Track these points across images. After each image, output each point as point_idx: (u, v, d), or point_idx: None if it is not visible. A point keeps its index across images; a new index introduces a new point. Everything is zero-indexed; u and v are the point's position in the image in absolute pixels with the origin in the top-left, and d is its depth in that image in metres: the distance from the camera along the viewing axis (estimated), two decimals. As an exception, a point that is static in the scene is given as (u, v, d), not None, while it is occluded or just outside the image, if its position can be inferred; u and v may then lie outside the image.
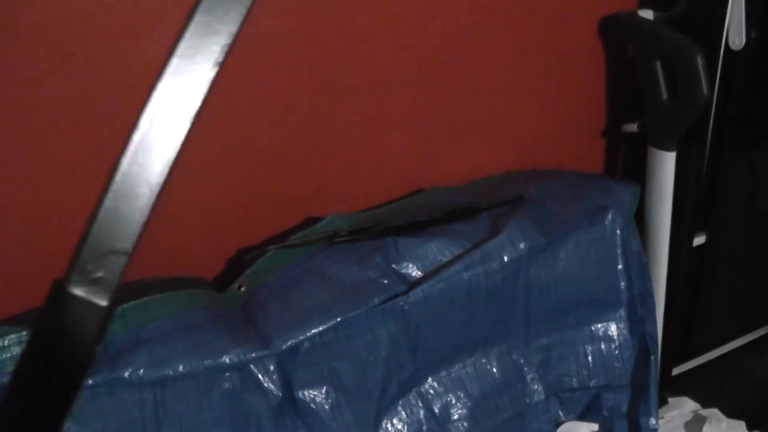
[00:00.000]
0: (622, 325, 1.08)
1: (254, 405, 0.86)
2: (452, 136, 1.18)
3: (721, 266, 1.36)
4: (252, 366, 0.86)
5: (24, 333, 0.84)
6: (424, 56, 1.10)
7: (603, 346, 1.07)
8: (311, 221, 1.05)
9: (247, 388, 0.86)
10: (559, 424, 1.06)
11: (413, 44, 1.08)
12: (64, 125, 0.89)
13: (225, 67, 1.00)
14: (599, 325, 1.08)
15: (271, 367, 0.87)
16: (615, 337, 1.08)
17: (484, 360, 1.01)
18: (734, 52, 1.18)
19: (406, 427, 0.95)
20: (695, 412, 1.29)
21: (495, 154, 1.23)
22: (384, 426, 0.94)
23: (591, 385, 1.07)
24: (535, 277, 1.00)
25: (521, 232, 0.98)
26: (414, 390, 0.97)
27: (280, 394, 0.88)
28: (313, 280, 0.93)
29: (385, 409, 0.94)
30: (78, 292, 0.40)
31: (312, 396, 0.88)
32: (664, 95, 1.15)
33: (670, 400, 1.32)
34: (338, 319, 0.89)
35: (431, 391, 0.98)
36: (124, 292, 0.91)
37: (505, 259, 0.97)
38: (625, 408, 1.06)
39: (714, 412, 1.27)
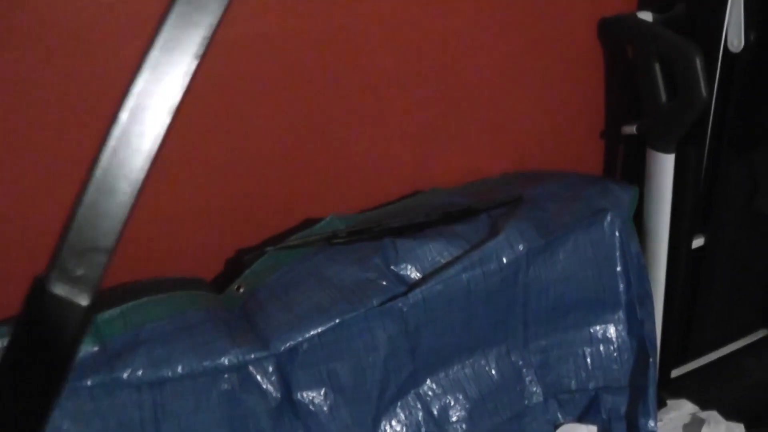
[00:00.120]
0: (620, 327, 1.08)
1: (253, 406, 0.86)
2: (451, 136, 1.18)
3: (720, 268, 1.36)
4: (251, 367, 0.86)
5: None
6: (423, 57, 1.10)
7: (602, 348, 1.07)
8: (310, 222, 1.05)
9: (245, 390, 0.86)
10: (557, 425, 1.06)
11: (411, 45, 1.08)
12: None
13: (223, 67, 1.01)
14: (598, 327, 1.08)
15: (270, 369, 0.87)
16: (614, 339, 1.07)
17: (482, 361, 1.01)
18: (733, 54, 1.18)
19: (404, 428, 0.95)
20: (694, 414, 1.29)
21: (494, 154, 1.23)
22: (383, 427, 0.94)
23: (590, 386, 1.07)
24: (533, 279, 1.00)
25: (520, 234, 0.98)
26: (413, 391, 0.97)
27: (279, 396, 0.88)
28: (312, 281, 0.93)
29: (384, 411, 0.94)
30: (58, 291, 0.39)
31: (311, 397, 0.88)
32: (663, 97, 1.16)
33: (669, 402, 1.32)
34: (337, 321, 0.89)
35: (430, 393, 0.98)
36: (123, 292, 0.91)
37: (504, 260, 0.97)
38: (623, 410, 1.06)
39: (713, 415, 1.27)
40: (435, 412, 0.97)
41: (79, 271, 0.39)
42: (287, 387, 0.87)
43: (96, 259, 0.39)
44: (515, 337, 1.03)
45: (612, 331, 1.08)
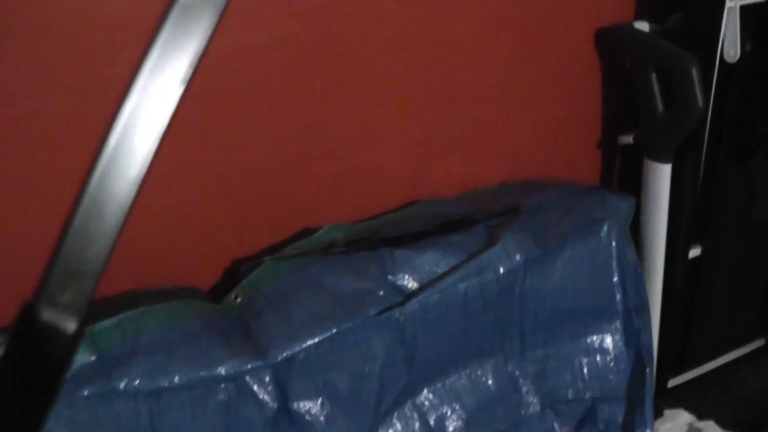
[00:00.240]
0: (617, 337, 1.08)
1: (249, 416, 0.86)
2: (448, 146, 1.18)
3: (716, 278, 1.36)
4: (247, 377, 0.86)
5: None
6: (421, 67, 1.10)
7: (598, 358, 1.07)
8: (307, 232, 1.05)
9: (242, 400, 0.86)
10: (554, 435, 1.06)
11: (409, 56, 1.09)
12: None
13: (221, 77, 1.01)
14: (595, 337, 1.08)
15: (267, 378, 0.87)
16: (610, 349, 1.07)
17: (479, 371, 1.01)
18: (729, 65, 1.19)
19: (401, 438, 0.95)
20: (691, 425, 1.29)
21: (491, 164, 1.23)
22: (380, 437, 0.94)
23: (586, 396, 1.07)
24: (530, 289, 1.00)
25: (517, 244, 0.98)
26: (409, 401, 0.97)
27: (276, 406, 0.87)
28: (309, 290, 0.93)
29: (381, 421, 0.94)
30: (45, 317, 0.39)
31: (307, 407, 0.88)
32: (660, 107, 1.16)
33: (666, 412, 1.32)
34: (334, 330, 0.89)
35: (426, 403, 0.98)
36: (121, 301, 0.91)
37: (501, 270, 0.97)
38: (620, 420, 1.06)
39: (710, 425, 1.27)
40: (432, 422, 0.97)
41: (66, 298, 0.39)
42: (284, 397, 0.87)
43: (83, 285, 0.39)
44: (512, 346, 1.03)
45: (609, 340, 1.08)
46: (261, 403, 0.87)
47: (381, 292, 0.93)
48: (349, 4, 1.01)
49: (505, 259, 0.97)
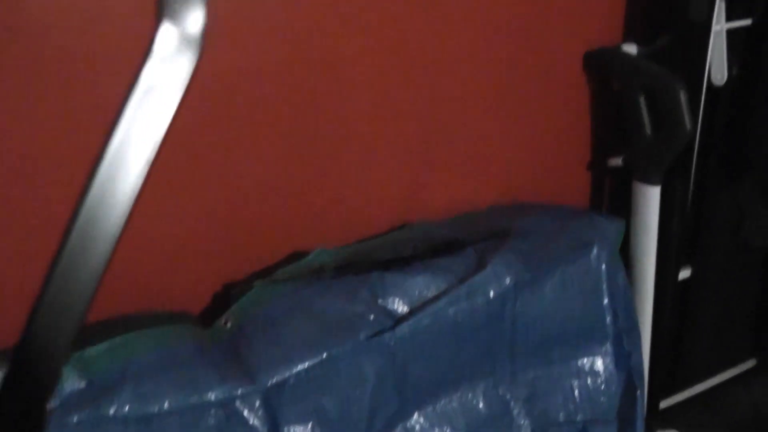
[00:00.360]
0: (608, 359, 1.08)
1: (240, 442, 0.86)
2: (438, 169, 1.19)
3: (707, 299, 1.37)
4: (238, 402, 0.86)
5: None
6: (410, 90, 1.11)
7: (589, 381, 1.07)
8: (297, 256, 1.05)
9: (232, 425, 0.85)
10: (546, 458, 1.06)
11: (399, 78, 1.10)
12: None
13: (209, 102, 1.01)
14: (585, 360, 1.08)
15: (257, 404, 0.87)
16: (601, 372, 1.07)
17: (470, 395, 1.01)
18: (717, 87, 1.20)
19: (392, 462, 0.95)
20: (683, 445, 1.29)
21: (481, 187, 1.24)
22: (371, 462, 0.93)
23: (578, 419, 1.06)
24: (520, 312, 1.00)
25: (507, 267, 0.98)
26: (400, 425, 0.96)
27: (266, 431, 0.87)
28: (300, 315, 0.93)
29: (372, 445, 0.94)
30: (34, 350, 0.40)
31: (298, 432, 0.88)
32: (648, 129, 1.17)
33: (658, 432, 1.32)
34: (324, 355, 0.89)
35: (417, 427, 0.97)
36: (110, 327, 0.91)
37: (491, 293, 0.97)
38: (611, 442, 1.06)
39: (702, 445, 1.27)
40: (423, 447, 0.97)
41: (54, 332, 0.40)
42: (274, 422, 0.87)
43: (71, 318, 0.40)
44: (503, 370, 1.03)
45: (599, 363, 1.08)
46: (251, 429, 0.86)
47: (371, 317, 0.93)
48: (339, 29, 1.02)
49: (494, 283, 0.97)
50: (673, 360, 1.39)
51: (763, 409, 1.44)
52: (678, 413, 1.41)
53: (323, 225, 1.11)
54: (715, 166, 1.26)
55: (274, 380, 0.86)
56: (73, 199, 0.43)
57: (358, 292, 0.95)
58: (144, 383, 0.83)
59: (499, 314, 0.99)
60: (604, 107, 1.30)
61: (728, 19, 1.18)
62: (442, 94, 1.14)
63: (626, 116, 1.20)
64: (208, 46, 0.98)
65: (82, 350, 0.86)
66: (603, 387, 1.07)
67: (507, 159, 1.25)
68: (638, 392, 1.07)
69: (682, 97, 1.10)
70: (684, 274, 1.32)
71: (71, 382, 0.82)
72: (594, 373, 1.07)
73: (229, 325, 0.95)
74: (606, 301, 1.07)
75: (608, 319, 1.07)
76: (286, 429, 0.87)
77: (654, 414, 1.36)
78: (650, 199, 1.18)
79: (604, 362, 1.08)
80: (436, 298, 0.95)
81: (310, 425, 0.88)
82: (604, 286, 1.06)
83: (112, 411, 0.81)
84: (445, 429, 0.99)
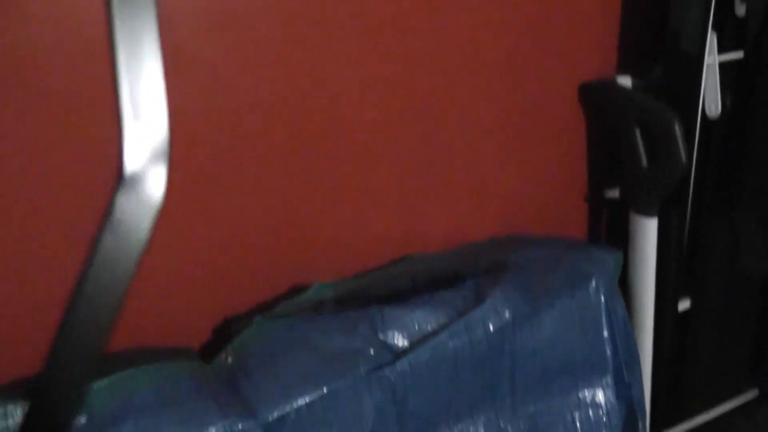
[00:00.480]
0: (609, 392, 1.08)
1: (240, 478, 0.85)
2: (436, 202, 1.20)
3: (707, 329, 1.37)
4: (238, 438, 0.86)
5: (8, 406, 0.83)
6: (408, 125, 1.13)
7: (590, 413, 1.07)
8: (297, 289, 1.06)
9: (232, 461, 0.85)
10: (548, 492, 1.05)
11: (397, 112, 1.11)
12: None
13: (206, 136, 1.03)
14: (586, 392, 1.07)
15: (258, 439, 0.87)
16: (602, 404, 1.07)
17: (471, 428, 1.00)
18: (711, 119, 1.22)
19: (393, 498, 0.94)
20: (686, 477, 1.28)
21: (479, 219, 1.25)
22: (371, 497, 0.93)
23: (579, 452, 1.06)
24: (520, 345, 1.00)
25: (506, 300, 0.99)
26: (401, 460, 0.96)
27: (266, 467, 0.87)
28: (300, 349, 0.93)
29: (373, 480, 0.93)
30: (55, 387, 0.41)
31: (298, 468, 0.88)
32: (644, 161, 1.18)
33: (661, 464, 1.31)
34: (325, 390, 0.89)
35: (419, 461, 0.97)
36: (111, 362, 0.92)
37: (490, 327, 0.97)
38: (614, 475, 1.05)
39: (705, 477, 1.26)
40: (424, 481, 0.97)
41: (72, 371, 0.41)
42: (275, 458, 0.87)
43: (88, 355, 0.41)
44: (503, 403, 1.02)
45: (600, 395, 1.08)
46: (252, 465, 0.86)
47: (371, 351, 0.93)
48: (338, 66, 1.04)
49: (494, 316, 0.98)
50: (675, 391, 1.39)
51: (766, 440, 1.44)
52: (680, 445, 1.40)
53: (323, 259, 1.11)
54: (711, 197, 1.27)
55: (275, 415, 0.86)
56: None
57: (358, 327, 0.95)
58: (145, 419, 0.83)
59: (498, 347, 0.99)
60: (600, 138, 1.31)
61: (720, 51, 1.20)
62: (440, 128, 1.16)
63: (622, 148, 1.21)
64: (208, 82, 1.00)
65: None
66: (604, 419, 1.07)
67: (505, 191, 1.26)
68: (639, 424, 1.07)
69: (677, 129, 1.11)
70: (684, 304, 1.32)
71: (72, 419, 0.82)
72: (595, 405, 1.07)
73: (229, 360, 0.95)
74: (606, 333, 1.07)
75: (608, 350, 1.07)
76: (287, 464, 0.87)
77: (656, 446, 1.35)
78: (647, 230, 1.19)
79: (605, 394, 1.07)
80: (436, 332, 0.95)
81: (311, 460, 0.88)
82: (604, 318, 1.06)
83: (112, 447, 0.80)
84: (446, 463, 0.98)
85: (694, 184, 1.23)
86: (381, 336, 0.95)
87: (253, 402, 0.87)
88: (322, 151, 1.07)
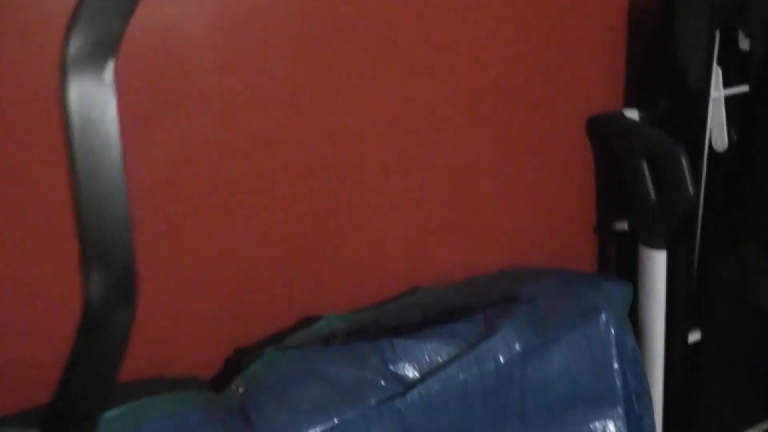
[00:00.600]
0: (620, 423, 1.07)
1: None
2: (445, 234, 1.20)
3: (718, 361, 1.36)
4: (248, 470, 0.86)
5: None
6: (416, 159, 1.14)
7: (601, 446, 1.06)
8: (308, 321, 1.06)
9: (243, 493, 0.85)
10: None
11: (405, 147, 1.12)
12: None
13: (216, 168, 1.05)
14: (597, 423, 1.07)
15: (268, 471, 0.86)
16: (613, 436, 1.07)
17: (482, 460, 1.00)
18: (719, 153, 1.22)
19: None
20: None
21: (488, 251, 1.25)
22: None
23: (591, 485, 1.05)
24: (530, 377, 1.01)
25: (516, 333, 0.99)
26: (411, 492, 0.96)
27: (276, 499, 0.87)
28: (311, 381, 0.94)
29: None
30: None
31: (308, 501, 0.87)
32: (652, 195, 1.18)
33: (673, 499, 1.29)
34: (335, 421, 0.89)
35: (429, 493, 0.97)
36: (122, 392, 0.92)
37: (501, 359, 0.98)
38: None
39: None
40: None
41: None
42: (285, 490, 0.87)
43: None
44: (514, 435, 1.02)
45: (611, 427, 1.07)
46: (262, 497, 0.86)
47: (382, 382, 0.93)
48: (349, 99, 1.06)
49: (504, 349, 0.98)
50: (686, 423, 1.37)
51: (779, 474, 1.42)
52: (692, 479, 1.38)
53: (333, 291, 1.12)
54: (720, 229, 1.27)
55: (286, 446, 0.86)
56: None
57: (369, 358, 0.96)
58: (155, 451, 0.83)
59: (509, 379, 0.99)
60: (608, 171, 1.32)
61: (726, 85, 1.21)
62: (448, 162, 1.17)
63: (629, 181, 1.21)
64: (219, 119, 1.02)
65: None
66: (615, 452, 1.07)
67: (513, 223, 1.27)
68: (651, 457, 1.06)
69: (684, 164, 1.12)
70: (694, 336, 1.31)
71: (83, 450, 0.82)
72: (606, 437, 1.07)
73: (240, 391, 0.95)
74: (616, 364, 1.07)
75: (619, 382, 1.07)
76: (297, 496, 0.87)
77: (668, 480, 1.33)
78: (656, 262, 1.19)
79: (615, 426, 1.07)
80: (446, 363, 0.95)
81: (321, 493, 0.88)
82: (614, 350, 1.06)
83: (123, 478, 0.81)
84: (456, 496, 0.98)
85: (703, 216, 1.24)
86: (392, 367, 0.95)
87: (264, 433, 0.87)
88: (332, 186, 1.08)
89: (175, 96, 0.95)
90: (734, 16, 1.21)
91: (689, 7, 1.17)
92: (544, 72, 1.22)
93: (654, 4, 1.23)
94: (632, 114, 1.26)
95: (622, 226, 1.24)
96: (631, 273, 1.23)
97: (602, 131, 1.29)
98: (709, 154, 1.22)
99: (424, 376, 0.95)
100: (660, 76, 1.24)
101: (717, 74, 1.19)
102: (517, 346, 0.99)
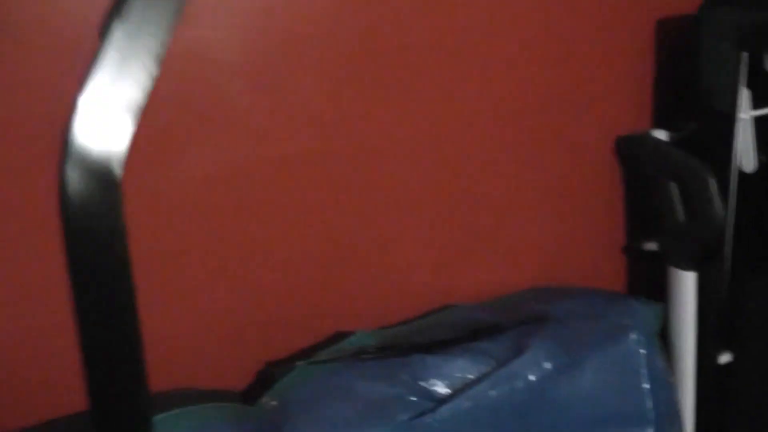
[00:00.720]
0: (650, 444, 1.07)
1: None
2: (475, 253, 1.21)
3: (750, 383, 1.34)
4: (280, 483, 0.86)
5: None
6: (446, 178, 1.15)
7: (632, 466, 1.05)
8: (340, 335, 1.07)
9: (274, 506, 0.86)
10: None
11: (436, 168, 1.14)
12: None
13: (254, 186, 1.07)
14: (627, 444, 1.07)
15: (299, 484, 0.87)
16: (644, 457, 1.06)
17: (511, 479, 1.00)
18: (748, 174, 1.22)
19: None
20: None
21: (517, 270, 1.26)
22: None
23: (621, 506, 1.04)
24: (560, 396, 1.00)
25: (546, 352, 0.99)
26: None
27: None
28: (341, 395, 0.94)
29: None
30: None
31: None
32: (681, 216, 1.18)
33: None
34: (366, 436, 0.89)
35: None
36: (155, 402, 0.93)
37: (531, 378, 0.98)
38: None
39: None
40: None
41: None
42: (316, 504, 0.87)
43: None
44: (543, 454, 1.02)
45: (642, 448, 1.06)
46: None
47: (413, 398, 0.94)
48: (376, 122, 1.08)
49: (534, 367, 0.98)
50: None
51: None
52: (723, 504, 1.36)
53: (365, 308, 1.13)
54: (750, 250, 1.26)
55: (317, 461, 0.87)
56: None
57: (400, 374, 0.96)
58: (189, 462, 0.84)
59: (539, 398, 0.99)
60: (637, 191, 1.32)
61: (754, 107, 1.21)
62: (478, 182, 1.18)
63: (658, 202, 1.21)
64: (254, 135, 1.04)
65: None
66: (646, 474, 1.06)
67: (543, 243, 1.27)
68: (682, 479, 1.05)
69: (712, 188, 1.11)
70: (726, 358, 1.30)
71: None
72: (636, 458, 1.06)
73: (272, 404, 0.96)
74: (646, 385, 1.06)
75: (649, 404, 1.06)
76: None
77: (698, 503, 1.31)
78: (686, 284, 1.18)
79: (646, 448, 1.06)
80: (477, 381, 0.96)
81: (351, 508, 0.88)
82: (644, 371, 1.06)
83: (154, 489, 0.81)
84: None
85: (733, 237, 1.23)
86: (422, 383, 0.96)
87: (295, 447, 0.88)
88: (365, 204, 1.10)
89: (209, 117, 0.98)
90: (762, 39, 1.21)
91: (716, 30, 1.17)
92: (573, 93, 1.23)
93: (681, 26, 1.23)
94: (660, 135, 1.26)
95: (651, 246, 1.24)
96: (660, 293, 1.22)
97: (630, 151, 1.29)
98: (738, 176, 1.21)
99: (454, 393, 0.95)
100: (688, 97, 1.24)
101: (745, 96, 1.19)
102: (547, 365, 0.99)
